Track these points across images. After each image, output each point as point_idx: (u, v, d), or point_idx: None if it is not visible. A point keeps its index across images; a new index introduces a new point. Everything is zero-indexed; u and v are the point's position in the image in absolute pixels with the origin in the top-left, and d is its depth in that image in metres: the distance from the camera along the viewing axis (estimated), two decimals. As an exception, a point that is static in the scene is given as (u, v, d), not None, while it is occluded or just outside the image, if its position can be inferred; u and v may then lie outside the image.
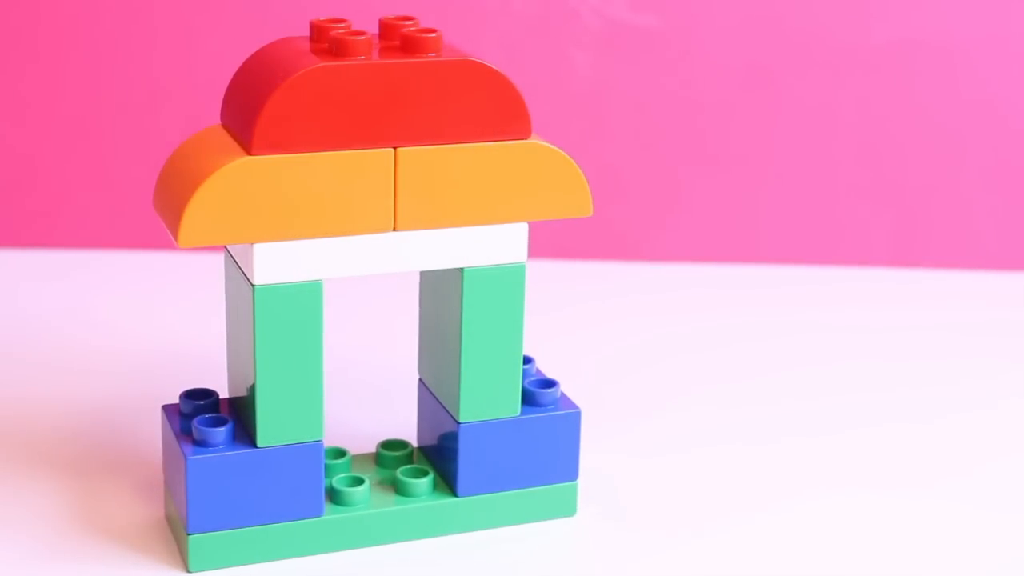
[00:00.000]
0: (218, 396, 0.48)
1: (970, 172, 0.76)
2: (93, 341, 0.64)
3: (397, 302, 0.62)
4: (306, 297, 0.45)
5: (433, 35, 0.45)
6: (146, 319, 0.66)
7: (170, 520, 0.48)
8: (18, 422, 0.56)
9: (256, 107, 0.43)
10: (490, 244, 0.47)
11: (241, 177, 0.43)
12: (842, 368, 0.64)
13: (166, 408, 0.48)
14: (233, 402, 0.48)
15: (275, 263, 0.44)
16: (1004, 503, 0.52)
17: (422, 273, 0.50)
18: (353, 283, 0.58)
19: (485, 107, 0.45)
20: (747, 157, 0.76)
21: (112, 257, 0.74)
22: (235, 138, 0.45)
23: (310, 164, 0.44)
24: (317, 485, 0.46)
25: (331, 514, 0.47)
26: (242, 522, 0.46)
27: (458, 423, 0.48)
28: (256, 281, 0.44)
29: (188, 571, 0.46)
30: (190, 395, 0.48)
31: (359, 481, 0.48)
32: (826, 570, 0.48)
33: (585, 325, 0.68)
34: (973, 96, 0.75)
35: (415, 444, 0.52)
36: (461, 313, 0.47)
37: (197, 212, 0.43)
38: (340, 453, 0.49)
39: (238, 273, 0.46)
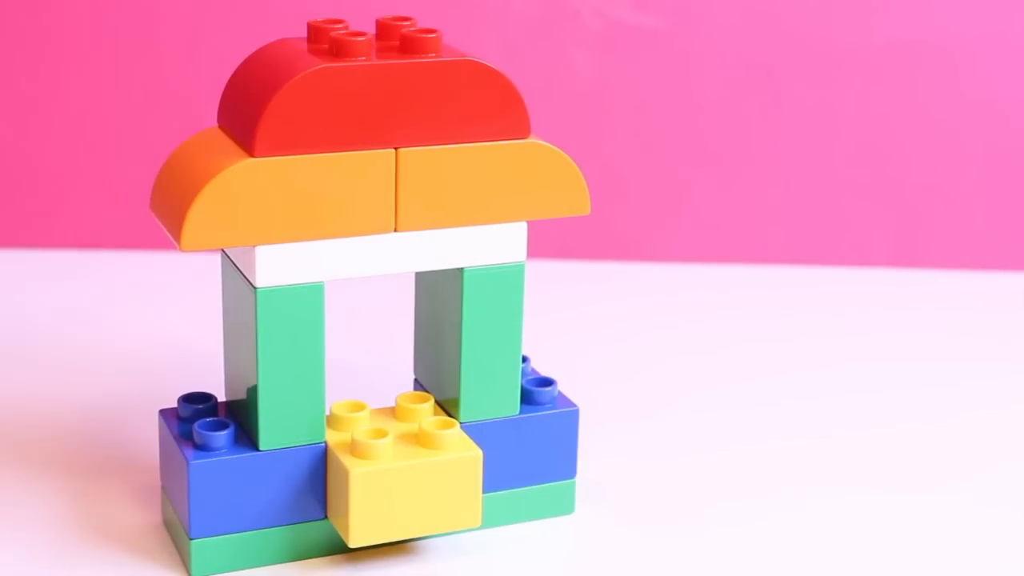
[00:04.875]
0: (216, 400, 0.48)
1: (972, 172, 0.76)
2: (90, 342, 0.63)
3: (397, 303, 0.62)
4: (308, 299, 0.45)
5: (433, 35, 0.45)
6: (143, 320, 0.66)
7: (168, 525, 0.48)
8: (14, 423, 0.56)
9: (258, 109, 0.43)
10: (490, 244, 0.47)
11: (243, 179, 0.43)
12: (843, 369, 0.63)
13: (164, 412, 0.48)
14: (231, 405, 0.48)
15: (277, 265, 0.44)
16: (1007, 505, 0.52)
17: (418, 274, 0.49)
18: (352, 284, 0.58)
19: (485, 107, 0.45)
20: (748, 157, 0.76)
21: (112, 257, 0.74)
22: (235, 140, 0.44)
23: (312, 166, 0.43)
24: (319, 488, 0.46)
25: (333, 517, 0.47)
26: (244, 526, 0.46)
27: (459, 423, 0.47)
28: (258, 284, 0.44)
29: (190, 576, 0.46)
30: (188, 399, 0.48)
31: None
32: (826, 572, 0.48)
33: (585, 326, 0.68)
34: (975, 96, 0.75)
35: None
36: (461, 314, 0.47)
37: (200, 215, 0.42)
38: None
39: (237, 276, 0.45)
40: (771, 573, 0.47)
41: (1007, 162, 0.76)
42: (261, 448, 0.45)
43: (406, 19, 0.46)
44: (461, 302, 0.47)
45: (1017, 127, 0.75)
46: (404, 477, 0.45)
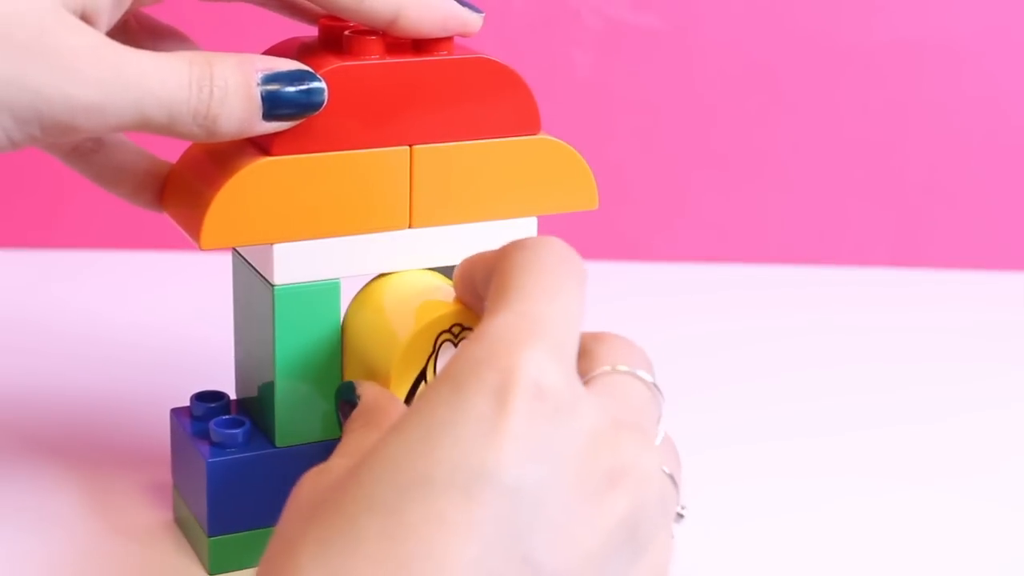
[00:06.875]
0: (229, 398, 0.48)
1: (972, 171, 0.76)
2: (95, 341, 0.63)
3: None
4: (325, 296, 0.45)
5: (444, 33, 0.45)
6: (144, 320, 0.66)
7: (181, 522, 0.48)
8: (25, 422, 0.55)
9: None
10: (501, 240, 0.46)
11: (261, 178, 0.43)
12: (843, 369, 0.64)
13: (176, 411, 0.48)
14: (243, 403, 0.48)
15: (294, 263, 0.44)
16: (1007, 505, 0.52)
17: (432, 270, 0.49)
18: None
19: (497, 103, 0.46)
20: (750, 157, 0.76)
21: (113, 257, 0.74)
22: (251, 139, 0.44)
23: (329, 164, 0.43)
24: (334, 485, 0.46)
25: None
26: (262, 523, 0.45)
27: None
28: (276, 281, 0.44)
29: (209, 574, 0.46)
30: (201, 397, 0.48)
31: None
32: (826, 571, 0.48)
33: (588, 326, 0.67)
34: (975, 96, 0.75)
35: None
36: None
37: (219, 214, 0.42)
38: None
39: (252, 274, 0.45)
40: (771, 573, 0.47)
41: (1007, 162, 0.76)
42: (277, 445, 0.45)
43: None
44: (472, 299, 0.47)
45: (1017, 127, 0.76)
46: None
